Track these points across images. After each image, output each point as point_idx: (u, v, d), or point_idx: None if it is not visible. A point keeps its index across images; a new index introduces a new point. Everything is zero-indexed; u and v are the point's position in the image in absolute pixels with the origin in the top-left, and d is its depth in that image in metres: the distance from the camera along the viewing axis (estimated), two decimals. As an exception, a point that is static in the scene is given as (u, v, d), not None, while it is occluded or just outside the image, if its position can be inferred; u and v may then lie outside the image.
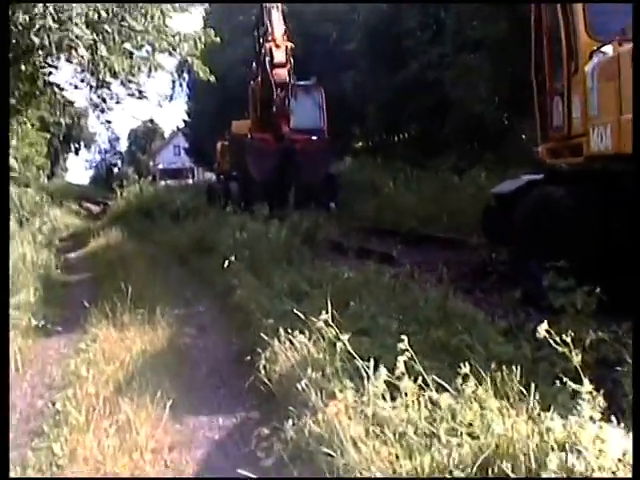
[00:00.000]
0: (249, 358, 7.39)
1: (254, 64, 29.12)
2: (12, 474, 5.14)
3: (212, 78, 22.02)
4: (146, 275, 13.79)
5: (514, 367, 5.01)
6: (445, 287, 9.13)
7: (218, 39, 22.09)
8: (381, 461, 4.30)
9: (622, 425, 4.17)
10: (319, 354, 5.82)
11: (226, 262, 9.95)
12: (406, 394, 4.64)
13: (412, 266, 11.09)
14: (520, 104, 25.25)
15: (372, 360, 5.06)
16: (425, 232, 18.02)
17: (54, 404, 6.89)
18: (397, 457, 4.28)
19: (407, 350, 4.71)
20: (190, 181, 76.21)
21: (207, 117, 54.22)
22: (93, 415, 6.35)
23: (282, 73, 24.69)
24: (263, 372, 6.74)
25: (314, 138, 26.15)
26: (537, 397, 4.50)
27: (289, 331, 6.60)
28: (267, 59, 24.78)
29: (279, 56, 24.69)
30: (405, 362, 4.69)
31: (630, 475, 3.70)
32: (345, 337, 5.37)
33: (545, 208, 9.70)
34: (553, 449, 3.88)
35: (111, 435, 5.99)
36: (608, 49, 8.87)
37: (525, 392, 4.59)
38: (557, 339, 4.46)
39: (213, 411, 7.11)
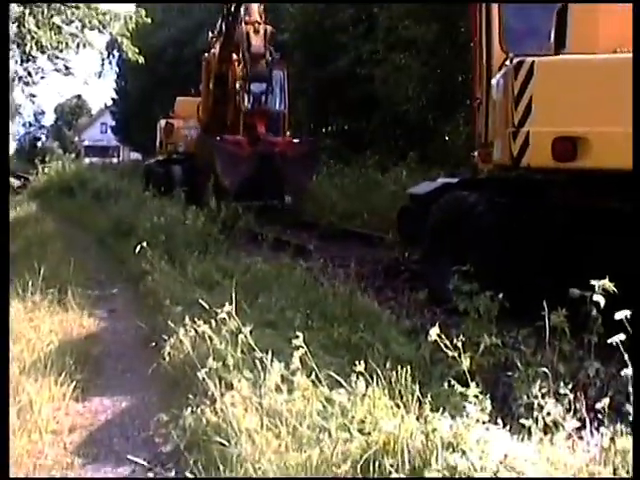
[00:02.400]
0: (154, 344, 7.44)
1: (210, 34, 26.79)
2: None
3: (141, 59, 21.78)
4: (61, 255, 13.61)
5: (411, 367, 5.16)
6: (353, 284, 9.27)
7: (149, 19, 21.92)
8: (272, 452, 4.41)
9: (508, 427, 4.35)
10: (222, 344, 5.89)
11: (138, 247, 9.91)
12: (299, 388, 4.75)
13: (326, 261, 11.21)
14: (446, 106, 25.75)
15: (271, 353, 5.16)
16: (343, 227, 18.13)
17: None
18: (287, 449, 4.40)
19: (302, 346, 4.81)
20: (115, 160, 75.45)
21: (136, 97, 53.90)
22: (-6, 394, 6.35)
23: (261, 65, 21.64)
24: (168, 359, 6.79)
25: (295, 141, 22.72)
26: (430, 398, 4.61)
27: (195, 320, 6.66)
28: (244, 45, 21.61)
29: (258, 44, 21.50)
30: (301, 357, 4.81)
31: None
32: (247, 329, 5.46)
33: (457, 212, 9.91)
34: (438, 448, 4.01)
35: (12, 415, 5.98)
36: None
37: (418, 392, 4.71)
38: (451, 342, 4.63)
39: (116, 394, 7.11)
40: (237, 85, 23.67)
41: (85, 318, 9.60)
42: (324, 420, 4.53)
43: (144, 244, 9.92)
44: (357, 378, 4.70)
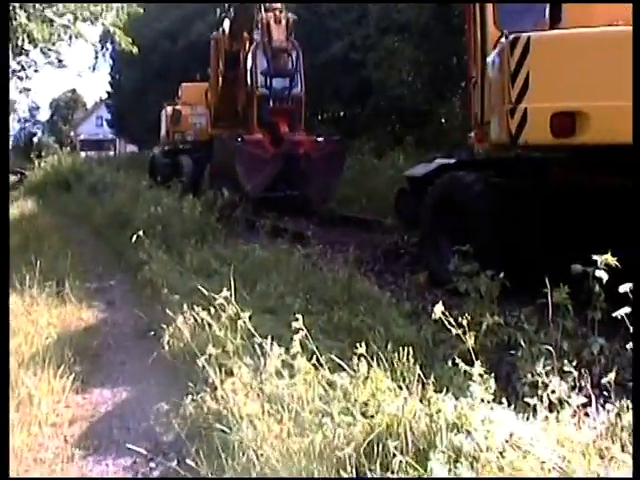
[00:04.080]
0: (153, 334, 7.38)
1: (219, 10, 26.06)
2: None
3: (135, 49, 21.63)
4: (59, 248, 13.59)
5: (413, 349, 5.10)
6: (351, 268, 9.22)
7: (141, 10, 21.81)
8: (274, 438, 4.35)
9: (512, 407, 4.29)
10: (221, 331, 5.81)
11: (134, 237, 9.84)
12: (300, 372, 4.68)
13: (324, 246, 11.15)
14: (441, 89, 25.69)
15: (271, 338, 5.08)
16: (341, 213, 18.04)
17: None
18: (289, 434, 4.33)
19: (301, 329, 4.74)
20: (111, 153, 75.33)
21: (130, 89, 53.70)
22: (-7, 388, 6.29)
23: (283, 60, 19.89)
24: (167, 348, 6.71)
25: (320, 139, 20.68)
26: (433, 378, 4.55)
27: (194, 308, 6.60)
28: (264, 38, 19.72)
29: (280, 37, 19.52)
30: (301, 341, 4.74)
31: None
32: (246, 315, 5.39)
33: (454, 192, 9.84)
34: (442, 429, 3.95)
35: (11, 409, 5.92)
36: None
37: (421, 374, 4.65)
38: (456, 321, 4.57)
39: (116, 386, 7.07)
40: (248, 66, 22.04)
41: (84, 310, 9.56)
42: (326, 404, 4.47)
43: (140, 233, 9.86)
44: (359, 360, 4.63)
